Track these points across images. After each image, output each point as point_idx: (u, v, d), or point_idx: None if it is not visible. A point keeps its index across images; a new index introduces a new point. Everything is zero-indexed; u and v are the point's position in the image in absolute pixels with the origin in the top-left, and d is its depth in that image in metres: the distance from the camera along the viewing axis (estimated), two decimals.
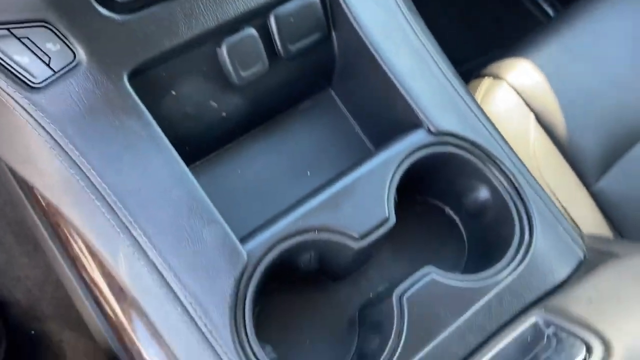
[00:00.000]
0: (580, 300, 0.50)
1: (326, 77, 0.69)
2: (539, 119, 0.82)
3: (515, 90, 0.83)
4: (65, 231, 0.57)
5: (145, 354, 0.54)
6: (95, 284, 0.58)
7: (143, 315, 0.52)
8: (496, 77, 0.86)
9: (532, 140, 0.80)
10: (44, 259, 0.98)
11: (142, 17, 0.54)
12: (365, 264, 0.62)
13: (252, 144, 0.67)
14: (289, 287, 0.61)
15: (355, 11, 0.61)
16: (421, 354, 0.50)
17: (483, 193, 0.61)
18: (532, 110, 0.82)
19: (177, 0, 0.55)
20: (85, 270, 0.58)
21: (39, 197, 0.57)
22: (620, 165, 0.82)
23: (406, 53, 0.62)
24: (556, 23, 0.90)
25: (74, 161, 0.52)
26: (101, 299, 0.57)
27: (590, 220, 0.77)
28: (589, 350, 0.46)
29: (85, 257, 0.56)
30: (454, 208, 0.65)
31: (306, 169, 0.65)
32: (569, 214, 0.77)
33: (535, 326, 0.48)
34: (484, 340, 0.52)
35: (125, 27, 0.54)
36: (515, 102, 0.83)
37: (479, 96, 0.85)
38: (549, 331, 0.47)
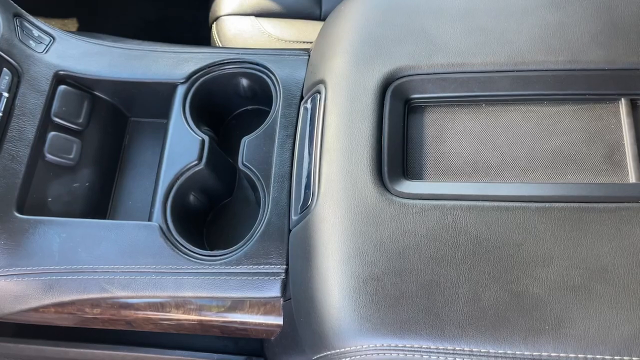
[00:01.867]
0: (310, 72, 0.77)
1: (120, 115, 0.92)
2: (260, 15, 1.07)
3: (232, 15, 1.07)
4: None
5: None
6: (135, 319, 0.77)
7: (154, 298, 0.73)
8: (215, 19, 1.09)
9: (264, 26, 1.05)
10: None
11: None
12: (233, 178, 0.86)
13: (126, 180, 0.89)
14: (218, 213, 0.86)
15: (90, 71, 0.84)
16: (274, 175, 0.74)
17: (244, 82, 0.86)
18: (251, 14, 1.07)
19: None
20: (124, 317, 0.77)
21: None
22: None
23: None
24: None
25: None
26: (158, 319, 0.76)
27: None
28: (320, 93, 0.70)
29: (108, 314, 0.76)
30: (245, 102, 0.90)
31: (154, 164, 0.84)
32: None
33: (305, 111, 0.74)
34: (293, 142, 0.76)
35: None
36: (237, 21, 1.07)
37: (219, 41, 1.09)
38: (308, 105, 0.73)
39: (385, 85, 0.66)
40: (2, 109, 0.75)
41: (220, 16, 1.09)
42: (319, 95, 0.71)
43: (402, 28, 0.69)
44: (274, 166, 0.75)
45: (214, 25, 1.10)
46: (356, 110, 0.66)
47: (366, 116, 0.65)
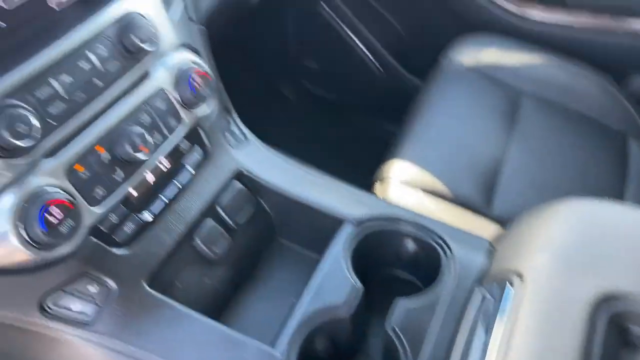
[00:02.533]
0: (497, 261, 0.71)
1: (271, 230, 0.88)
2: (426, 191, 1.06)
3: (400, 181, 1.07)
4: None
5: None
6: None
7: None
8: (381, 179, 1.09)
9: (429, 204, 1.05)
10: None
11: (140, 244, 0.70)
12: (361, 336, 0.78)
13: (250, 292, 0.83)
14: None
15: (267, 179, 0.82)
16: (426, 353, 0.65)
17: (411, 246, 0.79)
18: (418, 187, 1.07)
19: (156, 225, 0.72)
20: None
21: None
22: (497, 189, 1.09)
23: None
24: (410, 121, 1.21)
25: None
26: None
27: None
28: (512, 284, 0.61)
29: None
30: (400, 267, 0.83)
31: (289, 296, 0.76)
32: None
33: (482, 297, 0.66)
34: (456, 325, 0.67)
35: (131, 255, 0.69)
36: (403, 188, 1.07)
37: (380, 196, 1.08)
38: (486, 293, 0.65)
39: (599, 304, 0.57)
40: (183, 184, 0.74)
41: (387, 178, 1.08)
42: (509, 288, 0.63)
43: (625, 245, 0.61)
44: (426, 343, 0.65)
45: (377, 183, 1.10)
46: (559, 320, 0.56)
47: (571, 333, 0.55)
